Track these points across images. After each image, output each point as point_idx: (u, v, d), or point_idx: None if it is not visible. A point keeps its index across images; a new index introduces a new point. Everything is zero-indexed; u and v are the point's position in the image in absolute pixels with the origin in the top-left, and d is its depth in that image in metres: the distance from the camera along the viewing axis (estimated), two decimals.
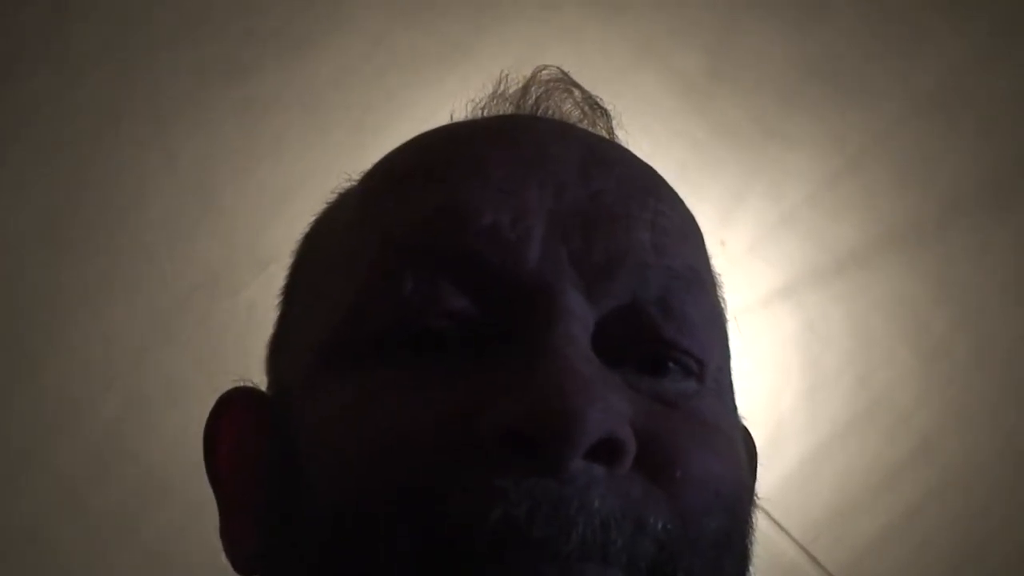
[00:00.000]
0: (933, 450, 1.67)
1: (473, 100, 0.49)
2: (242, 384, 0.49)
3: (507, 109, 0.50)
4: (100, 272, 1.43)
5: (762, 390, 1.57)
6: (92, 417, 1.49)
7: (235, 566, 0.46)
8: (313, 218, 0.51)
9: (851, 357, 1.60)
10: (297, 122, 1.37)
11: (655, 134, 1.41)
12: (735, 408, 0.46)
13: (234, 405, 0.49)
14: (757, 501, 0.48)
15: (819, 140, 1.46)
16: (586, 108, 0.50)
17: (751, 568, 0.44)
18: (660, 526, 0.37)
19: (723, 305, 0.48)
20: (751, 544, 0.44)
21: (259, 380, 0.50)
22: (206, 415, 0.50)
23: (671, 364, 0.41)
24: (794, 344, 1.57)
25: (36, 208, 1.38)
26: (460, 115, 0.49)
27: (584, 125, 0.49)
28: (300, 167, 1.34)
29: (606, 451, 0.37)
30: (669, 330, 0.41)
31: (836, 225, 1.51)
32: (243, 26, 1.32)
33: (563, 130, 0.47)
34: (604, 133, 0.50)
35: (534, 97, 0.50)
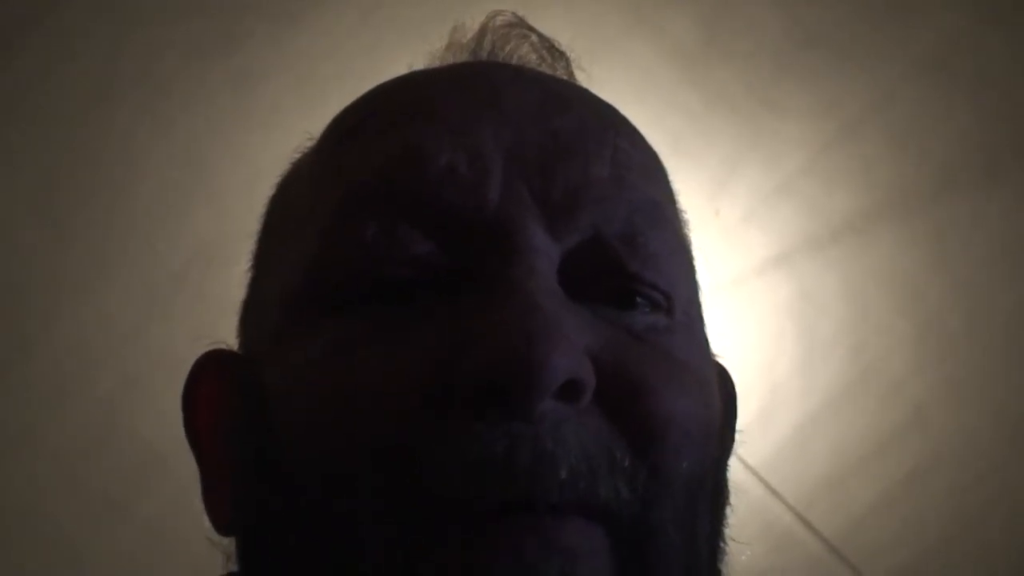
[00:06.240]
0: (927, 418, 1.68)
1: (429, 51, 0.49)
2: (215, 347, 0.49)
3: (464, 57, 0.49)
4: (93, 247, 1.42)
5: (756, 358, 1.57)
6: (87, 394, 1.49)
7: (217, 530, 0.46)
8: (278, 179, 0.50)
9: (845, 325, 1.61)
10: (290, 93, 1.36)
11: (649, 103, 1.41)
12: (707, 343, 0.45)
13: (209, 369, 0.48)
14: (736, 441, 0.47)
15: (814, 109, 1.45)
16: (544, 52, 0.49)
17: (729, 511, 0.43)
18: (627, 462, 0.37)
19: (689, 241, 0.47)
20: (726, 485, 0.44)
21: None
22: None
23: (638, 298, 0.41)
24: (788, 312, 1.57)
25: (28, 184, 1.38)
26: (418, 66, 0.49)
27: (543, 69, 0.49)
28: (294, 138, 1.33)
29: (570, 390, 0.36)
30: (633, 263, 0.41)
31: (831, 194, 1.51)
32: None
33: (519, 72, 0.46)
34: (563, 76, 0.49)
35: (490, 43, 0.49)
